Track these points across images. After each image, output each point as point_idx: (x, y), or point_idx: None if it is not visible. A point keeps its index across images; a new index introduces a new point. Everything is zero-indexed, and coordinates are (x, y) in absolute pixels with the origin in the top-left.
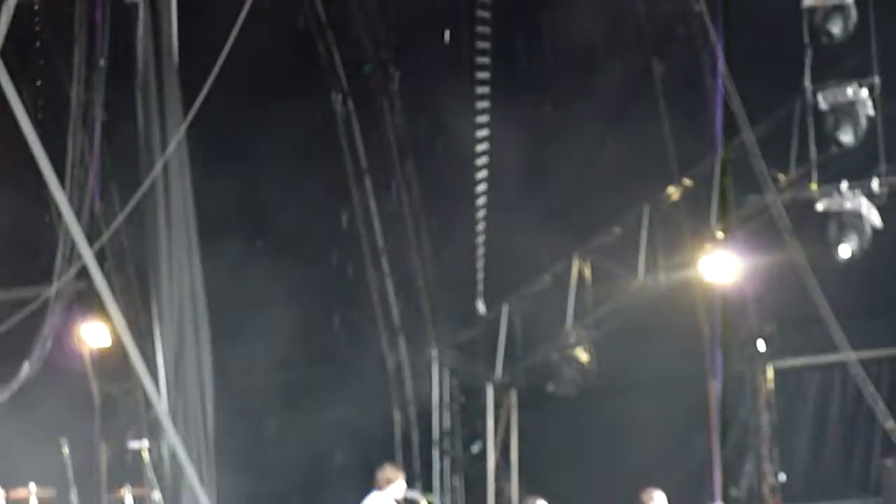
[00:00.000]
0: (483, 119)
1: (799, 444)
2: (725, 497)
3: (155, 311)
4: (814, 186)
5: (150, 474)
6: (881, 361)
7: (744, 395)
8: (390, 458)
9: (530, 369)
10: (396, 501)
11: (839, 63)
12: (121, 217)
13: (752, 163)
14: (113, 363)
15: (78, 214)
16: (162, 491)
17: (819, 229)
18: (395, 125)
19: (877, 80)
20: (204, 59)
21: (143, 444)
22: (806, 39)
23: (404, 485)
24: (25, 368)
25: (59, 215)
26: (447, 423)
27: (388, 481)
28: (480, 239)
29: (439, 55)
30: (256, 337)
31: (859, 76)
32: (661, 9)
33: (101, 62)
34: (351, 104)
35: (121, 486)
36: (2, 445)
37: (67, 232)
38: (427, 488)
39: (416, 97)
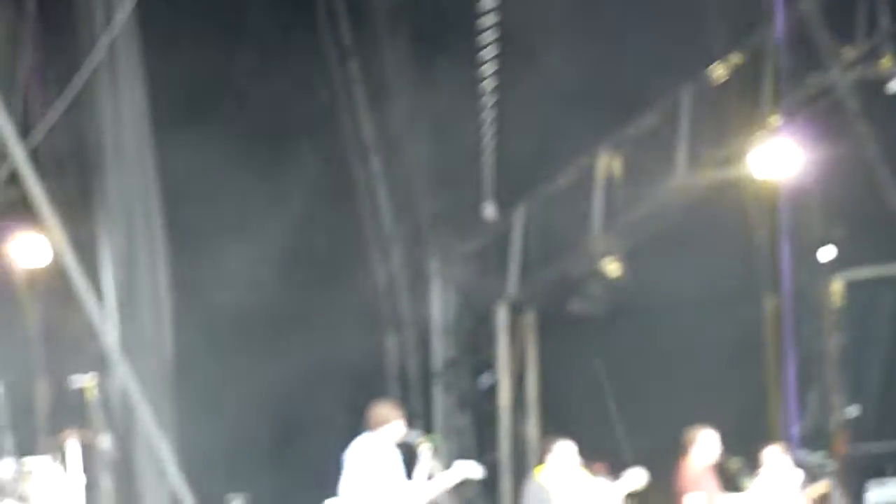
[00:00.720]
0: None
1: (873, 371)
2: (784, 436)
3: (100, 220)
4: (886, 62)
5: (96, 415)
6: None
7: (807, 313)
8: (383, 393)
9: (550, 285)
10: (393, 446)
11: None
12: (58, 107)
13: (813, 35)
14: (52, 284)
15: (6, 105)
16: (111, 435)
17: (893, 112)
18: None
19: None
20: None
21: (88, 380)
22: None
23: (402, 426)
24: None
25: None
26: (451, 351)
27: (383, 422)
28: (489, 129)
29: None
30: (222, 249)
31: None
32: None
33: None
34: None
35: (63, 429)
36: None
37: None
38: (428, 429)
39: None
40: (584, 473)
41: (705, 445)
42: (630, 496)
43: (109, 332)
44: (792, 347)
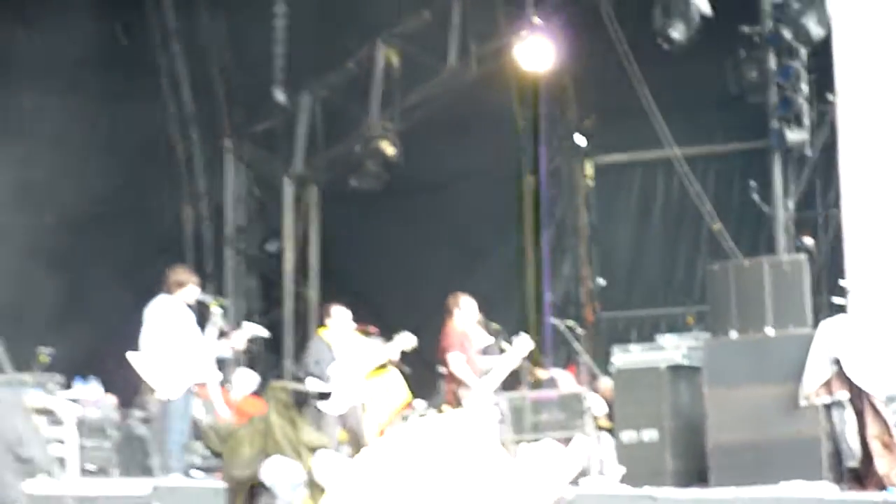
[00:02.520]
0: None
1: (620, 246)
2: (540, 302)
3: None
4: None
5: None
6: (707, 160)
7: (561, 192)
8: (180, 258)
9: (332, 163)
10: (187, 307)
11: None
12: None
13: None
14: None
15: None
16: None
17: (643, 14)
18: None
19: None
20: None
21: None
22: None
23: (196, 289)
24: None
25: None
26: (242, 220)
27: (179, 285)
28: (280, 21)
29: None
30: (29, 116)
31: None
32: None
33: None
34: None
35: None
36: None
37: None
38: (219, 291)
39: None
40: (359, 335)
41: (466, 310)
42: (402, 355)
43: None
44: (546, 223)
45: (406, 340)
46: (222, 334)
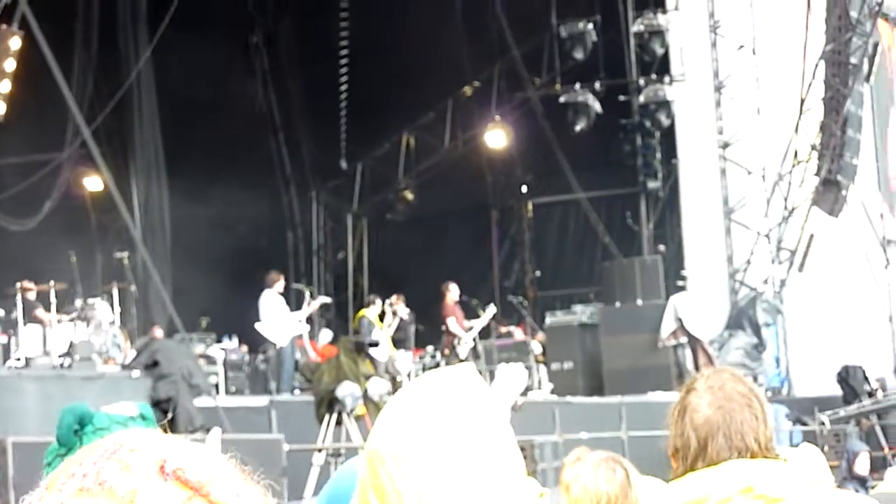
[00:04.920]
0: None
1: (548, 252)
2: (501, 286)
3: (132, 169)
4: (558, 86)
5: (129, 275)
6: (601, 199)
7: (512, 220)
8: (284, 265)
9: (375, 205)
10: (279, 294)
11: (574, 6)
12: (107, 108)
13: (518, 70)
14: (105, 202)
15: (81, 106)
16: (137, 286)
17: (561, 114)
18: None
19: (598, 17)
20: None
21: (124, 255)
22: None
23: (283, 283)
24: (47, 206)
25: (69, 107)
26: (322, 240)
27: (274, 281)
28: (343, 119)
29: None
30: (201, 183)
31: (587, 14)
32: None
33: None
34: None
35: (110, 282)
36: (31, 257)
37: (74, 117)
38: (308, 282)
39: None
40: (386, 309)
41: (453, 291)
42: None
43: (136, 228)
44: (503, 239)
45: (407, 311)
46: (309, 304)
